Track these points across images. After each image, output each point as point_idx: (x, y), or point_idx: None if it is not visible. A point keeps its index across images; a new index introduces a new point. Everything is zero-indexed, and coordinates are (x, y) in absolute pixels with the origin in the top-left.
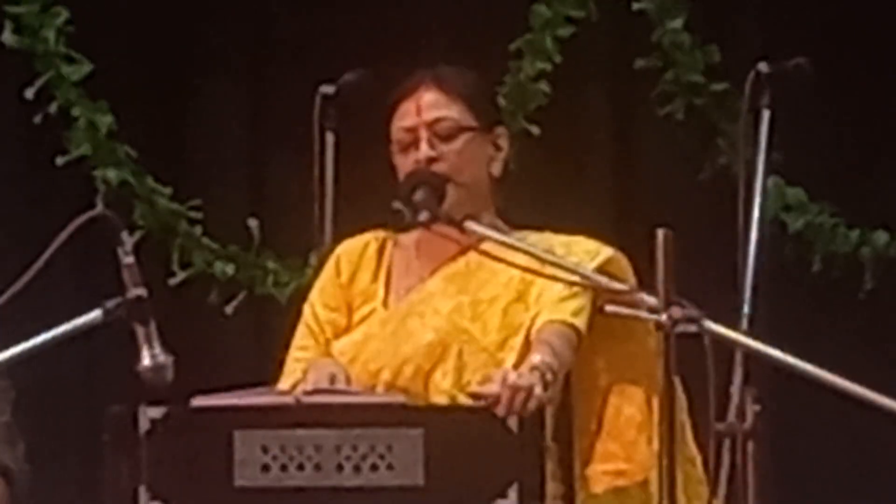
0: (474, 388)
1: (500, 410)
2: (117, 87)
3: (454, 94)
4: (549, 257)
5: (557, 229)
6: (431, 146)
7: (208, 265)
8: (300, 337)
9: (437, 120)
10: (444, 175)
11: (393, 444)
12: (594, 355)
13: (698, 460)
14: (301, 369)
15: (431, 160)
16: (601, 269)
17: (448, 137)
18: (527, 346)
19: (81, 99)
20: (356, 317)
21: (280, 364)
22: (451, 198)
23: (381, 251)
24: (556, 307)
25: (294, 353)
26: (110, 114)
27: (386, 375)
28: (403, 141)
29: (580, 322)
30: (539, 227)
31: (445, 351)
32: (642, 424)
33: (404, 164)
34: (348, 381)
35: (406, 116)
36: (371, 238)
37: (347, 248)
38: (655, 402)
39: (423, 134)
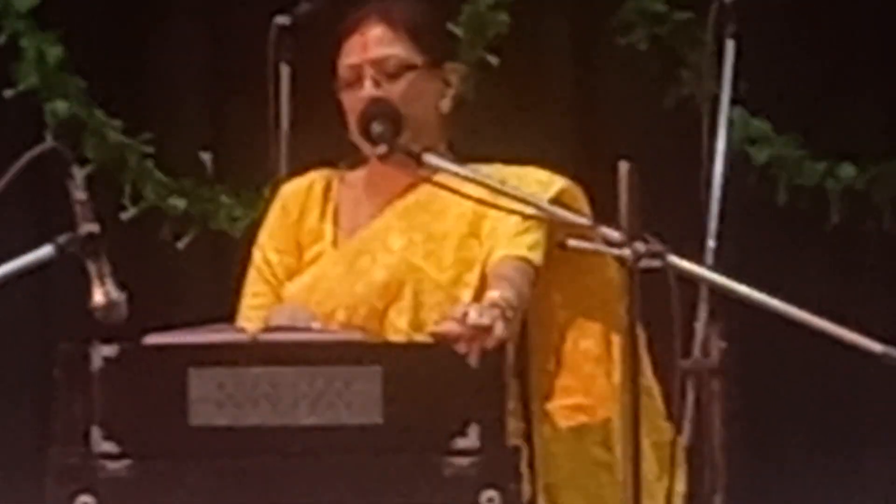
0: (433, 328)
1: (461, 347)
2: (68, 17)
3: (401, 30)
4: (509, 190)
5: (509, 160)
6: (376, 84)
7: (160, 199)
8: (252, 283)
9: (382, 58)
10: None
11: (351, 382)
12: (551, 290)
13: (656, 391)
14: (258, 317)
15: (377, 100)
16: (555, 200)
17: (393, 76)
18: (482, 282)
19: (30, 29)
20: (306, 257)
21: (234, 311)
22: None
23: (326, 190)
24: (512, 241)
25: (248, 301)
26: (60, 45)
27: (340, 316)
28: (348, 78)
29: (536, 256)
30: (488, 159)
31: (400, 289)
32: (600, 358)
33: (349, 101)
34: (311, 318)
35: (351, 53)
36: (316, 177)
37: (293, 189)
38: (614, 337)
39: (368, 72)
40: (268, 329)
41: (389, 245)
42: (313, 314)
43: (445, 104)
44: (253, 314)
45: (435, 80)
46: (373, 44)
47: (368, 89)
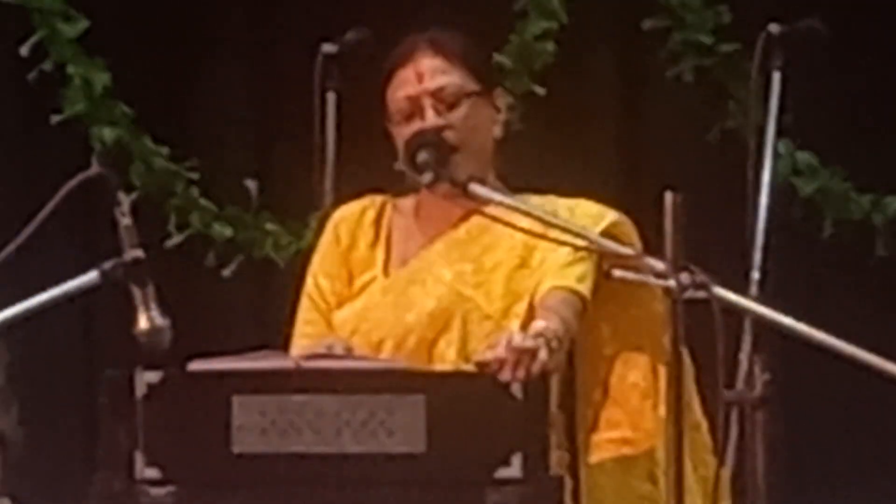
0: (478, 355)
1: (505, 374)
2: (114, 44)
3: (453, 59)
4: (556, 221)
5: (560, 192)
6: (438, 114)
7: (206, 227)
8: (304, 311)
9: (441, 87)
10: (452, 143)
11: (394, 410)
12: (599, 322)
13: (703, 426)
14: (308, 346)
15: (440, 129)
16: (606, 233)
17: (453, 104)
18: (531, 313)
19: (77, 56)
20: (357, 284)
21: (286, 339)
22: (456, 163)
23: (379, 217)
24: (561, 273)
25: (300, 328)
26: (107, 71)
27: (389, 346)
28: (405, 110)
29: (585, 288)
30: (540, 190)
31: (449, 320)
32: (647, 391)
33: (407, 134)
34: (349, 351)
35: (406, 85)
36: (368, 203)
37: (345, 214)
38: (661, 370)
39: (427, 101)
40: (311, 357)
41: (440, 275)
42: (351, 348)
43: (498, 130)
44: (304, 342)
45: (488, 105)
46: (428, 75)
47: (431, 119)
